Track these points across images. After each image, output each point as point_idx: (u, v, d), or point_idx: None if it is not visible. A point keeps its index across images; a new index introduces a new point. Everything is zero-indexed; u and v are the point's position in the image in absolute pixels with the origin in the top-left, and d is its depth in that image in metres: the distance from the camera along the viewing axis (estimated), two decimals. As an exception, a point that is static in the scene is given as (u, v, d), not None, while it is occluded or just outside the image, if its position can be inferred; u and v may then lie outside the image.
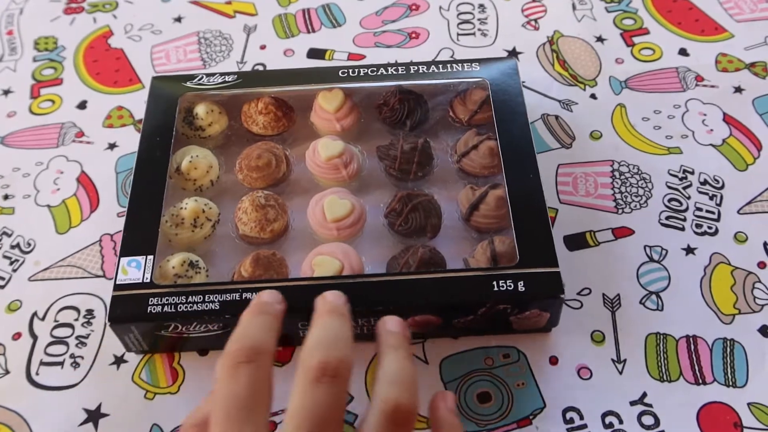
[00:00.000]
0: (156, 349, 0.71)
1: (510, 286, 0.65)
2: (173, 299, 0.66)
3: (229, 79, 0.81)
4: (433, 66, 0.83)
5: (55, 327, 0.74)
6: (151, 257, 0.68)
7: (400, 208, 0.73)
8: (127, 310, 0.66)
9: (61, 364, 0.71)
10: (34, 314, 0.75)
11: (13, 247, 0.79)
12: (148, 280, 0.67)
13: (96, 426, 0.68)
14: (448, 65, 0.82)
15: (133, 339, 0.68)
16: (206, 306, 0.65)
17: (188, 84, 0.81)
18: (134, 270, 0.67)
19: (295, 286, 0.67)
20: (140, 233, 0.70)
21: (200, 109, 0.81)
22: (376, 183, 0.80)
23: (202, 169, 0.77)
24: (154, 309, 0.65)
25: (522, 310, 0.67)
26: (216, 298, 0.66)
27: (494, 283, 0.66)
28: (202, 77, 0.81)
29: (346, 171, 0.77)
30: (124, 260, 0.68)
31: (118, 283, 0.67)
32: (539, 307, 0.67)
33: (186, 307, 0.65)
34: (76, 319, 0.74)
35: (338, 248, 0.71)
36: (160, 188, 0.73)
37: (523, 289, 0.65)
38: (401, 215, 0.73)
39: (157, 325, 0.66)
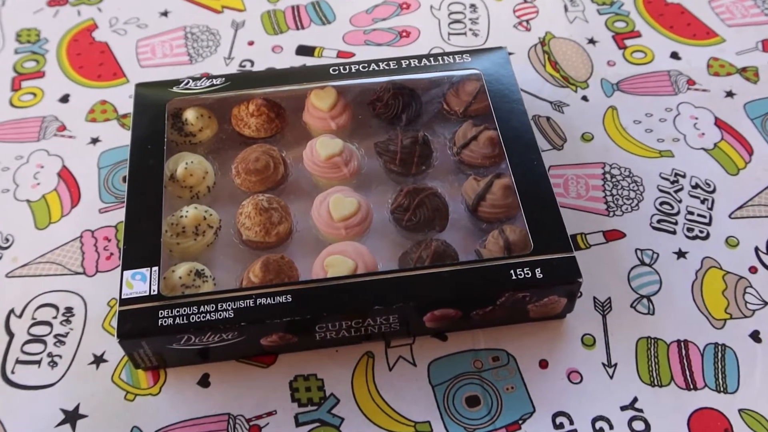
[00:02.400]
0: (166, 364, 0.68)
1: (528, 273, 0.65)
2: (185, 310, 0.64)
3: (217, 83, 0.79)
4: (425, 59, 0.82)
5: (32, 325, 0.72)
6: (156, 269, 0.66)
7: (407, 204, 0.72)
8: (137, 325, 0.63)
9: (38, 362, 0.69)
10: (11, 311, 0.72)
11: (-10, 242, 0.77)
12: (156, 293, 0.65)
13: (73, 427, 0.66)
14: (440, 58, 0.82)
15: (143, 354, 0.66)
16: (220, 315, 0.63)
17: (175, 89, 0.79)
18: (140, 283, 0.65)
19: (310, 288, 0.65)
20: (142, 245, 0.68)
21: (190, 115, 0.79)
22: (377, 180, 0.79)
23: (198, 175, 0.75)
24: (165, 322, 0.63)
25: (541, 297, 0.66)
26: (229, 306, 0.64)
27: (511, 272, 0.65)
28: (188, 81, 0.79)
29: (346, 169, 0.75)
30: (128, 273, 0.66)
31: (123, 297, 0.64)
32: (557, 293, 0.66)
33: (199, 318, 0.63)
34: (55, 317, 0.72)
35: (350, 247, 0.70)
36: (158, 197, 0.71)
37: (541, 276, 0.65)
38: (408, 210, 0.72)
39: (168, 339, 0.64)
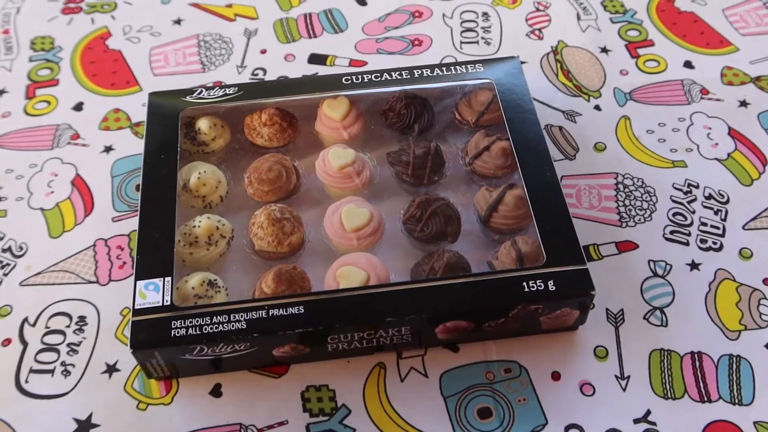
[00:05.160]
0: (178, 374, 0.69)
1: (540, 286, 0.65)
2: (197, 321, 0.64)
3: (230, 92, 0.80)
4: (437, 69, 0.82)
5: (46, 333, 0.72)
6: (168, 279, 0.66)
7: (419, 214, 0.72)
8: (151, 336, 0.64)
9: (52, 372, 0.70)
10: (25, 320, 0.73)
11: (4, 250, 0.78)
12: (169, 303, 0.65)
13: (86, 437, 0.66)
14: (452, 67, 0.82)
15: (156, 365, 0.66)
16: (232, 326, 0.63)
17: (188, 98, 0.79)
18: (153, 293, 0.65)
19: (322, 300, 0.65)
20: (154, 255, 0.68)
21: (203, 124, 0.79)
22: (389, 190, 0.79)
23: (211, 185, 0.76)
24: (178, 332, 0.63)
25: (553, 309, 0.66)
26: (242, 317, 0.64)
27: (524, 284, 0.65)
28: (201, 91, 0.80)
29: (359, 179, 0.76)
30: (141, 284, 0.66)
31: (137, 308, 0.64)
32: (570, 305, 0.66)
33: (211, 329, 0.63)
34: (68, 326, 0.72)
35: (362, 258, 0.70)
36: (171, 207, 0.71)
37: (554, 288, 0.65)
38: (420, 221, 0.72)
39: (181, 349, 0.64)
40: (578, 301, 0.67)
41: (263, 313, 0.64)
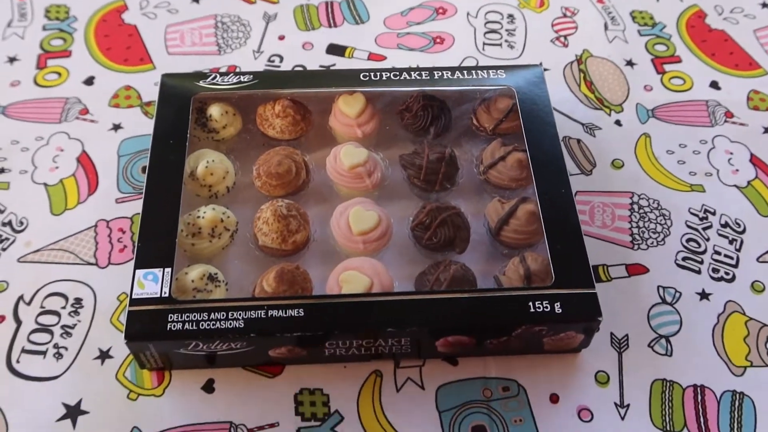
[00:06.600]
0: (171, 366, 0.68)
1: (546, 307, 0.63)
2: (195, 316, 0.62)
3: (245, 80, 0.78)
4: (457, 72, 0.80)
5: (40, 313, 0.71)
6: (168, 270, 0.65)
7: (429, 222, 0.70)
8: (146, 327, 0.62)
9: (44, 353, 0.69)
10: (20, 298, 0.72)
11: (4, 224, 0.76)
12: (167, 295, 0.63)
13: (74, 423, 0.65)
14: (473, 72, 0.80)
15: (149, 356, 0.65)
16: (230, 324, 0.62)
17: (201, 83, 0.77)
18: (151, 284, 0.64)
19: (323, 304, 0.64)
20: (156, 244, 0.66)
21: (214, 111, 0.77)
22: (399, 193, 0.77)
23: (219, 175, 0.74)
24: (174, 326, 0.62)
25: (558, 332, 0.65)
26: (240, 315, 0.62)
27: (530, 303, 0.63)
28: (215, 76, 0.78)
29: (369, 180, 0.74)
30: (140, 273, 0.64)
31: (134, 297, 0.63)
32: (575, 329, 0.65)
33: (208, 325, 0.62)
34: (63, 307, 0.71)
35: (367, 263, 0.68)
36: (176, 195, 0.69)
37: (560, 311, 0.63)
38: (429, 229, 0.70)
39: (176, 343, 0.63)
40: (584, 326, 0.65)
41: (262, 313, 0.63)
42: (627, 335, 0.71)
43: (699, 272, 0.75)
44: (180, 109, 0.76)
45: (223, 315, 0.63)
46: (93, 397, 0.66)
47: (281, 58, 0.92)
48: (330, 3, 0.98)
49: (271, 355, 0.66)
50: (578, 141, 0.85)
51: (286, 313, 0.63)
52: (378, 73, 0.79)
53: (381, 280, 0.67)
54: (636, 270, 0.75)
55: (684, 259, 0.76)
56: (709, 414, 0.67)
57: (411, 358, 0.69)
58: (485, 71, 0.80)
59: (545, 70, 0.91)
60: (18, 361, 0.68)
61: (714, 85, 0.91)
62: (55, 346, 0.69)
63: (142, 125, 0.84)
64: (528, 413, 0.67)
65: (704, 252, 0.77)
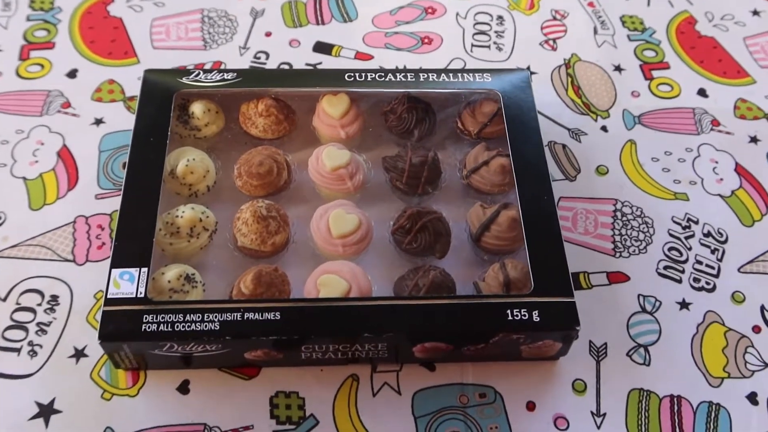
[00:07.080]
0: (146, 366, 0.67)
1: (524, 315, 0.63)
2: (170, 317, 0.62)
3: (229, 77, 0.77)
4: (443, 74, 0.79)
5: (16, 310, 0.70)
6: (145, 270, 0.64)
7: (409, 226, 0.70)
8: (120, 328, 0.61)
9: (18, 350, 0.68)
10: (-4, 294, 0.71)
11: (-19, 218, 0.76)
12: (143, 295, 0.63)
13: (47, 422, 0.64)
14: (459, 74, 0.79)
15: (124, 357, 0.64)
16: (205, 326, 0.61)
17: (184, 80, 0.76)
18: (127, 283, 0.63)
19: (300, 307, 0.63)
20: (133, 243, 0.65)
21: (197, 108, 0.76)
22: (381, 195, 0.77)
23: (199, 173, 0.73)
24: (149, 327, 0.61)
25: (536, 340, 0.65)
26: (216, 317, 0.62)
27: (508, 311, 0.63)
28: (199, 73, 0.77)
29: (351, 182, 0.73)
30: (116, 272, 0.63)
31: (109, 297, 0.62)
32: (553, 337, 0.65)
33: (184, 327, 0.61)
34: (39, 304, 0.70)
35: (345, 267, 0.68)
36: (155, 194, 0.68)
37: (538, 319, 0.63)
38: (410, 233, 0.70)
39: (151, 344, 0.62)
40: (561, 335, 0.65)
41: (238, 316, 0.62)
42: (606, 344, 0.71)
43: (680, 281, 0.75)
44: (162, 105, 0.75)
45: (198, 317, 0.62)
46: (66, 396, 0.66)
47: (267, 55, 0.91)
48: (319, 0, 0.97)
49: (247, 357, 0.66)
50: (563, 146, 0.84)
51: (262, 316, 0.62)
52: (363, 74, 0.78)
53: (359, 284, 0.67)
54: (617, 278, 0.75)
55: (665, 267, 0.76)
56: (685, 425, 0.67)
57: (388, 362, 0.69)
58: (471, 74, 0.79)
59: (533, 73, 0.91)
60: (-9, 358, 0.67)
61: (702, 92, 0.90)
62: (30, 343, 0.68)
63: (123, 120, 0.83)
64: (504, 420, 0.66)
65: (686, 261, 0.76)
